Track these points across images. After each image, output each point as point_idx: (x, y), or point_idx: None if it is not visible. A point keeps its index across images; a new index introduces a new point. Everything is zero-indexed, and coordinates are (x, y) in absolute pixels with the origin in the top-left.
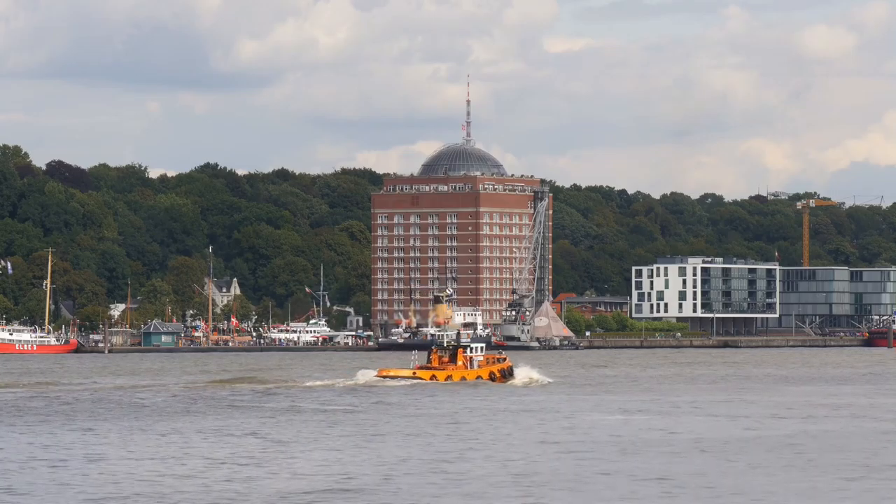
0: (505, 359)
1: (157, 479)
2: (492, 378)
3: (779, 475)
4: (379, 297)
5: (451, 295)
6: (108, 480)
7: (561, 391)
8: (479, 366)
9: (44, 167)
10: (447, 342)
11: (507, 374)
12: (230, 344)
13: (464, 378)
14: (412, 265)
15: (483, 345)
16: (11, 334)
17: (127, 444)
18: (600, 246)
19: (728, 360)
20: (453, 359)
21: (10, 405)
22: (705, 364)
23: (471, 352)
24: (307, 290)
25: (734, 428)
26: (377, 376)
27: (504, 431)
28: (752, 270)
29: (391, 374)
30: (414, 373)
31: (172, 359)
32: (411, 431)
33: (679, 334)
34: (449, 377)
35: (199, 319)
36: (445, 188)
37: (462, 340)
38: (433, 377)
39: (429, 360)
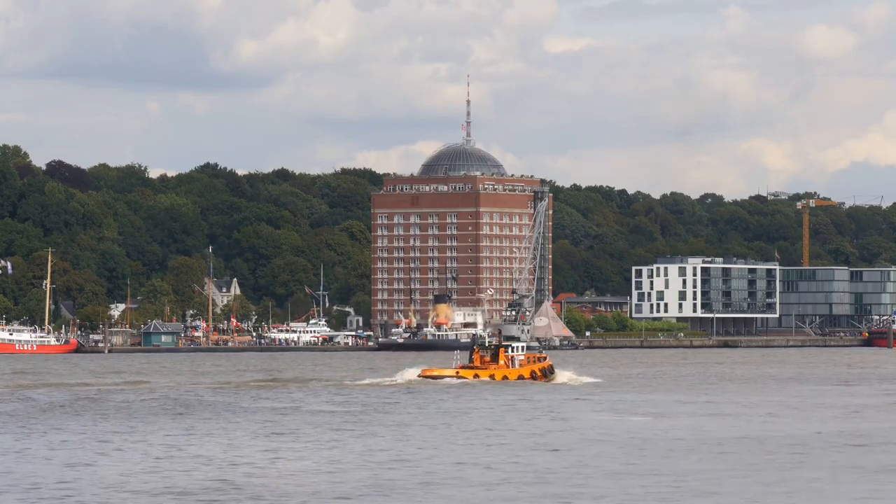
0: (545, 358)
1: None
2: (533, 377)
3: None
4: (379, 297)
5: (493, 296)
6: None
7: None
8: (520, 365)
9: (44, 167)
10: (488, 342)
11: (548, 373)
12: (230, 344)
13: (506, 377)
14: (412, 265)
15: (524, 344)
16: (11, 334)
17: (134, 442)
18: (600, 246)
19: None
20: (495, 358)
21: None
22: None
23: (512, 351)
24: (307, 290)
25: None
26: (421, 376)
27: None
28: (752, 270)
29: (435, 373)
30: (457, 372)
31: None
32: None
33: (682, 334)
34: (491, 376)
35: (199, 319)
36: (445, 188)
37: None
38: (476, 376)
39: (471, 360)
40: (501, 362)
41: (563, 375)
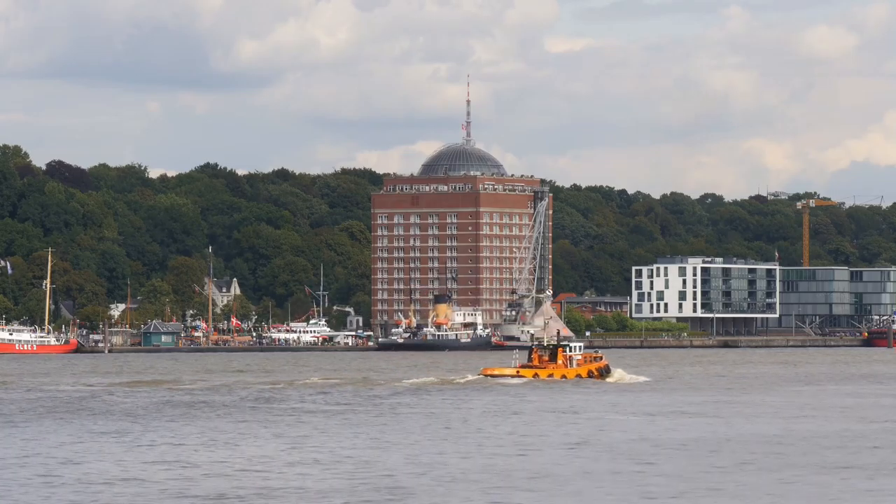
0: (601, 357)
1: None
2: (590, 376)
3: None
4: (379, 297)
5: (549, 296)
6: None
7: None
8: (577, 364)
9: (44, 167)
10: (547, 342)
11: (605, 373)
12: (230, 344)
13: (564, 376)
14: (412, 265)
15: (581, 344)
16: (11, 334)
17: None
18: (600, 246)
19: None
20: (553, 357)
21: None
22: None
23: (570, 351)
24: (307, 290)
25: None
26: (481, 375)
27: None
28: (752, 270)
29: (495, 373)
30: (517, 371)
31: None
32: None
33: (685, 334)
34: (550, 375)
35: (199, 319)
36: (445, 188)
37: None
38: (535, 375)
39: (530, 359)
40: (559, 362)
41: (619, 374)
